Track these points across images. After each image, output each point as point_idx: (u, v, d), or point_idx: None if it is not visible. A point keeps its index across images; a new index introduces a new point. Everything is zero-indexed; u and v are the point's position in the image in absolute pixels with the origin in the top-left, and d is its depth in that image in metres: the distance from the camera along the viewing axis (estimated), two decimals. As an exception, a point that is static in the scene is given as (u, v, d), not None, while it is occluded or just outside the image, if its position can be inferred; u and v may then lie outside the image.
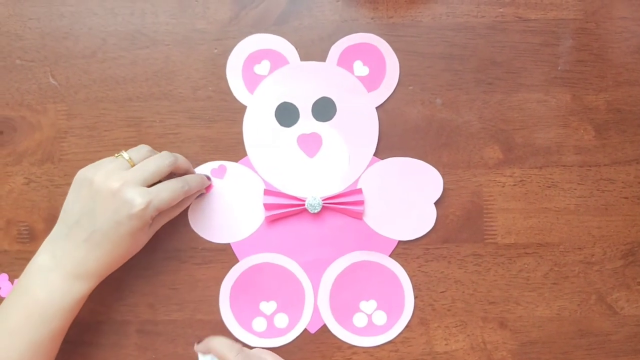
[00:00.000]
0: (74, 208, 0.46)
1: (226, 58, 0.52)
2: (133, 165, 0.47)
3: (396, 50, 0.52)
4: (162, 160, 0.47)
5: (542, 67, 0.52)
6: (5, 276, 0.52)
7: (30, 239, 0.53)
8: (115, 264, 0.47)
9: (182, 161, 0.49)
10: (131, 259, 0.52)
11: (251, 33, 0.53)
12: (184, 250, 0.52)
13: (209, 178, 0.52)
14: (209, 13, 0.53)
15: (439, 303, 0.52)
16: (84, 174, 0.46)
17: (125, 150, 0.48)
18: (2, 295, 0.52)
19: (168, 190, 0.46)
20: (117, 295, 0.52)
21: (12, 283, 0.52)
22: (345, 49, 0.52)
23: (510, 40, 0.52)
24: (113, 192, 0.44)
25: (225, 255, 0.52)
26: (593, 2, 0.52)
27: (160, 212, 0.47)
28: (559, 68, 0.52)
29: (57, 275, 0.45)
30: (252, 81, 0.52)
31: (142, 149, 0.48)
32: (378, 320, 0.52)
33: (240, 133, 0.52)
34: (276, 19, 0.53)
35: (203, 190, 0.51)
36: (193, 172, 0.51)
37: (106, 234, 0.45)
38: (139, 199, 0.44)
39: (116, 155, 0.47)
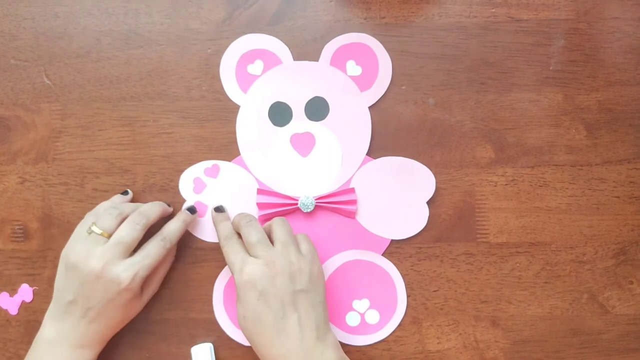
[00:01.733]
0: (65, 289, 0.47)
1: (220, 58, 0.53)
2: (108, 237, 0.47)
3: (389, 50, 0.52)
4: (135, 225, 0.47)
5: (534, 67, 0.52)
6: (5, 294, 0.53)
7: (24, 238, 0.53)
8: (116, 329, 0.49)
9: (153, 215, 0.49)
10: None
11: (245, 33, 0.53)
12: (177, 249, 0.52)
13: (193, 211, 0.52)
14: (203, 13, 0.53)
15: (432, 302, 0.52)
16: (66, 258, 0.47)
17: (92, 216, 0.48)
18: (12, 313, 0.53)
19: (150, 257, 0.47)
20: (111, 294, 0.52)
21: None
22: (338, 48, 0.52)
23: (503, 41, 0.52)
24: (98, 275, 0.46)
25: (218, 254, 0.52)
26: (585, 2, 0.52)
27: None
28: (551, 68, 0.52)
29: (64, 347, 0.47)
30: (246, 81, 0.53)
31: (110, 215, 0.48)
32: (371, 319, 0.52)
33: (234, 132, 0.53)
34: (270, 19, 0.53)
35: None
36: (167, 212, 0.51)
37: (101, 310, 0.47)
38: (124, 274, 0.46)
39: (88, 232, 0.47)
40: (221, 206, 0.51)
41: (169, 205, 0.51)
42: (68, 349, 0.46)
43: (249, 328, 0.45)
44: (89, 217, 0.49)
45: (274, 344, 0.44)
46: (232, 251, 0.47)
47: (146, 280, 0.49)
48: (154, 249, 0.48)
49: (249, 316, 0.45)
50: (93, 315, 0.47)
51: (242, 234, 0.48)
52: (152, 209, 0.49)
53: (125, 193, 0.52)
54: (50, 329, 0.47)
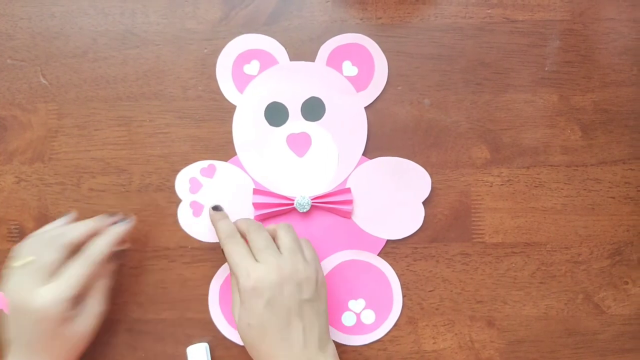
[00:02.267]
0: (6, 329, 0.45)
1: (216, 58, 0.53)
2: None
3: (385, 50, 0.52)
4: (54, 248, 0.45)
5: (529, 67, 0.52)
6: (1, 294, 0.52)
7: (20, 237, 0.53)
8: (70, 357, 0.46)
9: (78, 236, 0.46)
10: (122, 257, 0.52)
11: (241, 33, 0.53)
12: (173, 249, 0.52)
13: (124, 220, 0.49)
14: (199, 13, 0.53)
15: (427, 302, 0.52)
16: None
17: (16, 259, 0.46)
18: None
19: (68, 278, 0.44)
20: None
21: None
22: (334, 49, 0.53)
23: (498, 41, 0.52)
24: (23, 306, 0.43)
25: (214, 254, 0.52)
26: (580, 3, 0.53)
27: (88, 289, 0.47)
28: (546, 69, 0.52)
29: None
30: (242, 81, 0.53)
31: (26, 247, 0.46)
32: (366, 319, 0.52)
33: (230, 132, 0.53)
34: (266, 19, 0.53)
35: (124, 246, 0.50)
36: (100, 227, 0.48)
37: (32, 345, 0.44)
38: (38, 301, 0.43)
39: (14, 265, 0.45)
40: (219, 205, 0.51)
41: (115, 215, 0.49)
42: None
43: (252, 336, 0.44)
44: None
45: (276, 353, 0.43)
46: (237, 252, 0.45)
47: (83, 302, 0.46)
48: (78, 270, 0.45)
49: (254, 324, 0.44)
50: (25, 350, 0.44)
51: (249, 238, 0.47)
52: (94, 244, 0.47)
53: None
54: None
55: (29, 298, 0.43)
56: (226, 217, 0.50)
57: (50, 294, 0.43)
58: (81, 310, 0.46)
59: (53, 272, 0.44)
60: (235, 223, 0.49)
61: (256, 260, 0.45)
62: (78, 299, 0.46)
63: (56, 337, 0.44)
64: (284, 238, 0.47)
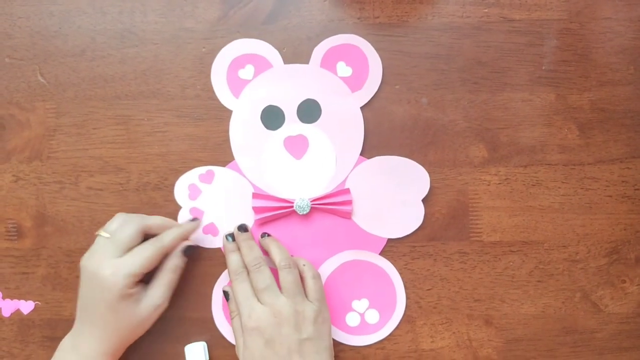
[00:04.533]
0: (79, 295, 0.48)
1: (214, 57, 0.53)
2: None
3: (382, 50, 0.53)
4: (129, 225, 0.48)
5: (526, 66, 0.52)
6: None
7: (18, 236, 0.53)
8: (117, 342, 0.48)
9: (156, 223, 0.49)
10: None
11: (239, 32, 0.53)
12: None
13: (195, 218, 0.52)
14: (198, 12, 0.53)
15: (425, 300, 0.52)
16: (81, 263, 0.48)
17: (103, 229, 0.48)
18: (4, 315, 0.53)
19: (136, 255, 0.47)
20: (105, 293, 0.52)
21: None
22: (327, 50, 0.53)
23: (495, 41, 0.53)
24: (93, 273, 0.46)
25: (212, 253, 0.52)
26: (577, 2, 0.53)
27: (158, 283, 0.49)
28: (544, 68, 0.53)
29: (76, 357, 0.47)
30: (237, 86, 0.53)
31: (115, 221, 0.49)
32: (371, 318, 0.52)
33: (228, 131, 0.53)
34: (264, 19, 0.53)
35: (190, 242, 0.51)
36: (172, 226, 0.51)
37: (94, 314, 0.47)
38: (106, 270, 0.46)
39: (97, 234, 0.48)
40: (244, 225, 0.51)
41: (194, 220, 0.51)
42: (78, 358, 0.47)
43: None
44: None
45: None
46: (241, 291, 0.48)
47: (147, 288, 0.48)
48: (144, 248, 0.48)
49: None
50: (91, 320, 0.47)
51: (251, 277, 0.48)
52: (168, 232, 0.49)
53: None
54: (68, 339, 0.48)
55: (100, 266, 0.46)
56: (237, 250, 0.50)
57: (117, 266, 0.46)
58: (143, 294, 0.48)
59: (127, 249, 0.47)
60: (242, 255, 0.50)
61: (257, 300, 0.47)
62: (143, 283, 0.48)
63: (114, 311, 0.46)
64: (284, 281, 0.48)
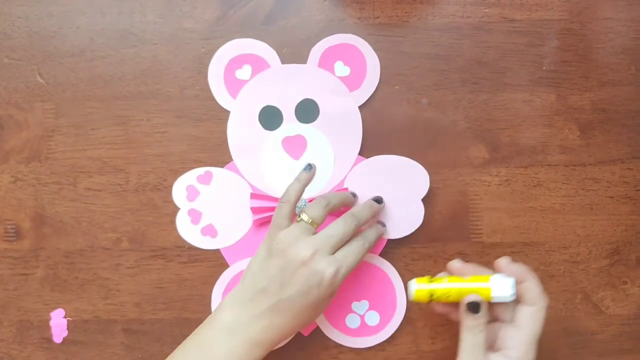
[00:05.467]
0: (260, 275, 0.45)
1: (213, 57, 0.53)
2: (316, 227, 0.46)
3: (382, 50, 0.52)
4: (347, 226, 0.46)
5: (527, 67, 0.52)
6: (61, 312, 0.53)
7: (17, 237, 0.53)
8: (291, 333, 0.47)
9: (364, 217, 0.48)
10: (118, 257, 0.52)
11: (239, 33, 0.53)
12: (170, 248, 0.52)
13: (383, 225, 0.51)
14: (197, 12, 0.53)
15: (425, 302, 0.52)
16: (270, 243, 0.46)
17: (287, 204, 0.47)
18: (56, 341, 0.52)
19: (353, 255, 0.46)
20: (103, 294, 0.52)
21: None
22: (325, 50, 0.52)
23: (496, 41, 0.52)
24: (304, 262, 0.44)
25: (211, 254, 0.52)
26: (578, 2, 0.53)
27: None
28: (544, 68, 0.52)
29: (239, 339, 0.44)
30: (234, 86, 0.53)
31: (319, 205, 0.47)
32: (371, 320, 0.52)
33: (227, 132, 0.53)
34: (264, 19, 0.53)
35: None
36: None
37: (292, 303, 0.44)
38: (329, 269, 0.44)
39: (297, 220, 0.46)
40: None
41: (379, 203, 0.50)
42: (242, 342, 0.44)
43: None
44: (284, 205, 0.47)
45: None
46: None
47: None
48: (357, 248, 0.46)
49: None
50: (281, 308, 0.44)
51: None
52: (364, 212, 0.48)
53: (308, 168, 0.51)
54: (228, 313, 0.45)
55: (317, 259, 0.44)
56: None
57: (335, 264, 0.44)
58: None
59: (338, 247, 0.46)
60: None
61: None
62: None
63: (310, 307, 0.45)
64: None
